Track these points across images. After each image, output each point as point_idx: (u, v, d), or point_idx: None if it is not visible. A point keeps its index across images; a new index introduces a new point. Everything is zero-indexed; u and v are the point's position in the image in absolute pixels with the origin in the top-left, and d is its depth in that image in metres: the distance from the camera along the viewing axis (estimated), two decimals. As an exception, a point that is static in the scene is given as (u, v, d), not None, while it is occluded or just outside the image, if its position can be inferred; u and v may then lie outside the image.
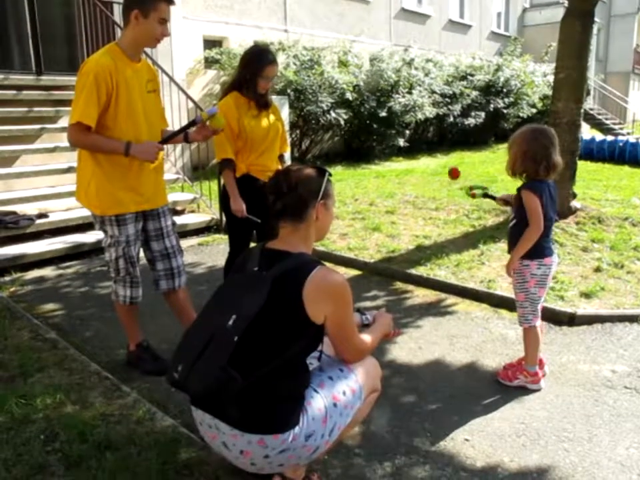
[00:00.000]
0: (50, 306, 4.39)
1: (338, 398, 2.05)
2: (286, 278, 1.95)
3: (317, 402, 2.00)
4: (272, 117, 3.81)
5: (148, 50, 7.33)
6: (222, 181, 3.95)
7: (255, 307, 1.90)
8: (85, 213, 6.07)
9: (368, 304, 4.45)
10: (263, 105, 3.73)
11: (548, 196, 3.02)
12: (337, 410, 2.03)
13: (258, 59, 3.62)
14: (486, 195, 3.39)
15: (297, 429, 1.93)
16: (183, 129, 3.17)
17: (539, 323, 3.20)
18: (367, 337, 2.21)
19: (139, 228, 3.19)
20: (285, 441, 1.91)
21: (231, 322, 1.89)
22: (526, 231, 3.01)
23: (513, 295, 4.28)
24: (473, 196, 3.41)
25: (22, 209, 5.86)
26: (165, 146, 3.22)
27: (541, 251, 3.07)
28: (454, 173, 3.52)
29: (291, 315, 1.94)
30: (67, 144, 6.80)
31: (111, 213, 3.06)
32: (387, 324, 2.38)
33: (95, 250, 5.70)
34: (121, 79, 2.91)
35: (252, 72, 3.59)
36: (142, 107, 3.05)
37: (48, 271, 5.24)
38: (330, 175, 2.14)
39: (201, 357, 1.86)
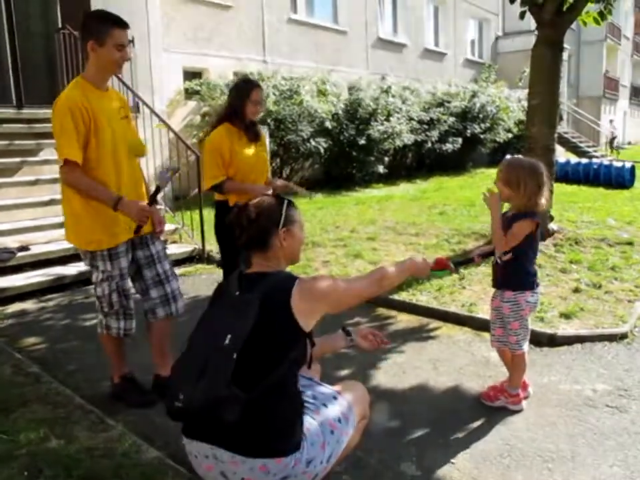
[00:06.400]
0: (32, 339, 4.34)
1: (335, 425, 2.08)
2: (273, 293, 2.00)
3: (315, 428, 2.03)
4: (260, 148, 3.93)
5: (129, 82, 7.51)
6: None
7: (248, 325, 1.92)
8: (66, 245, 6.04)
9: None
10: (253, 135, 3.83)
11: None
12: (334, 437, 2.07)
13: (244, 84, 3.86)
14: (460, 263, 3.26)
15: (297, 453, 1.94)
16: (156, 192, 3.08)
17: (527, 347, 3.26)
18: (390, 269, 2.22)
19: (129, 259, 3.19)
20: (287, 465, 1.92)
21: (227, 341, 1.89)
22: (506, 237, 3.00)
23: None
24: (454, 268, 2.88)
25: (3, 241, 5.82)
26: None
27: (533, 282, 3.17)
28: (439, 264, 2.74)
29: (282, 327, 1.99)
30: (48, 176, 6.92)
31: (105, 246, 3.05)
32: (413, 267, 2.32)
33: (77, 282, 5.67)
34: (95, 109, 2.95)
35: (240, 97, 3.75)
36: (119, 133, 3.08)
37: (29, 304, 5.19)
38: (290, 202, 2.21)
39: (201, 379, 1.85)
